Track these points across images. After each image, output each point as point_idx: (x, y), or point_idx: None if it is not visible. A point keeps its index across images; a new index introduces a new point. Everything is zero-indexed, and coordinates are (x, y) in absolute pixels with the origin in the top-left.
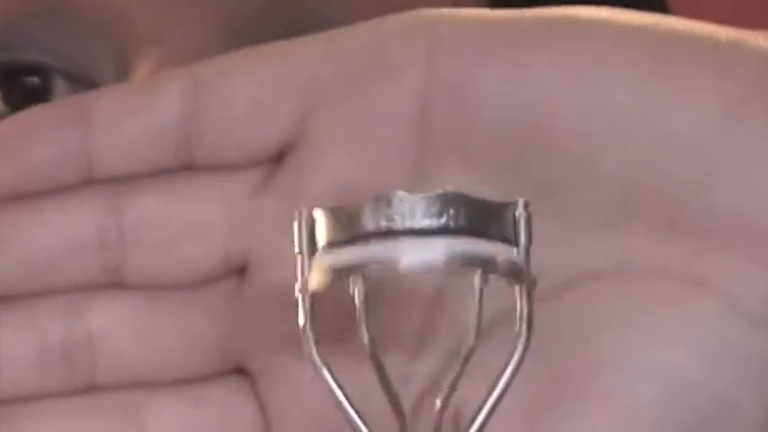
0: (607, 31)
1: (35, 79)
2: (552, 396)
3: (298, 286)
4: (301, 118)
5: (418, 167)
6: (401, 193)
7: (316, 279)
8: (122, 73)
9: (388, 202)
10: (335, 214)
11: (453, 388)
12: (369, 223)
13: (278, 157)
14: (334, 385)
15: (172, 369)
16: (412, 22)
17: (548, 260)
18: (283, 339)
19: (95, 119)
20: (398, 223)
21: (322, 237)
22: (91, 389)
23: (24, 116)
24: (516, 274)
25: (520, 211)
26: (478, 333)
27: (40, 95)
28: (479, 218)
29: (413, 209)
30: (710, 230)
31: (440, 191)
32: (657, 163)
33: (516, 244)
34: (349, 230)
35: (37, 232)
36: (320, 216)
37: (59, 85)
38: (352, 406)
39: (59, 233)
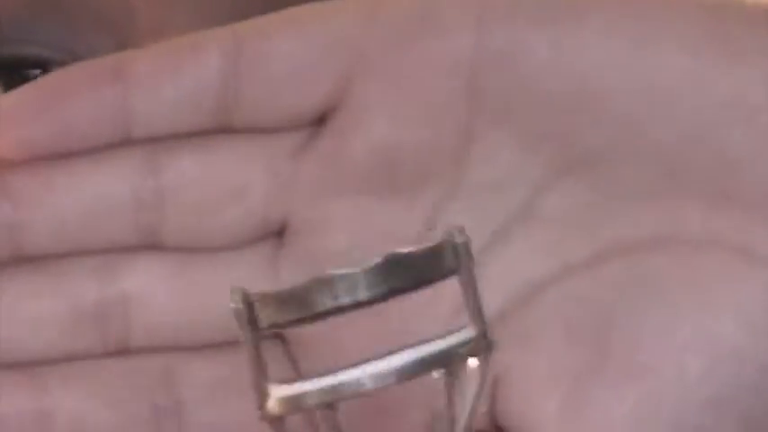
0: None
1: (36, 71)
2: (596, 367)
3: (259, 411)
4: (345, 80)
5: (465, 132)
6: (341, 271)
7: (279, 408)
8: None
9: (331, 281)
10: (281, 297)
11: None
12: (316, 303)
13: (320, 120)
14: None
15: (207, 333)
16: None
17: (592, 229)
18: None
19: (133, 77)
20: (344, 299)
21: (267, 317)
22: (124, 351)
23: (60, 74)
24: (475, 353)
25: (459, 239)
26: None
27: None
28: (420, 271)
29: (355, 283)
30: (765, 201)
31: (377, 259)
32: (710, 131)
33: (459, 272)
34: (297, 311)
35: (71, 192)
36: (263, 298)
37: None
38: None
39: (94, 193)
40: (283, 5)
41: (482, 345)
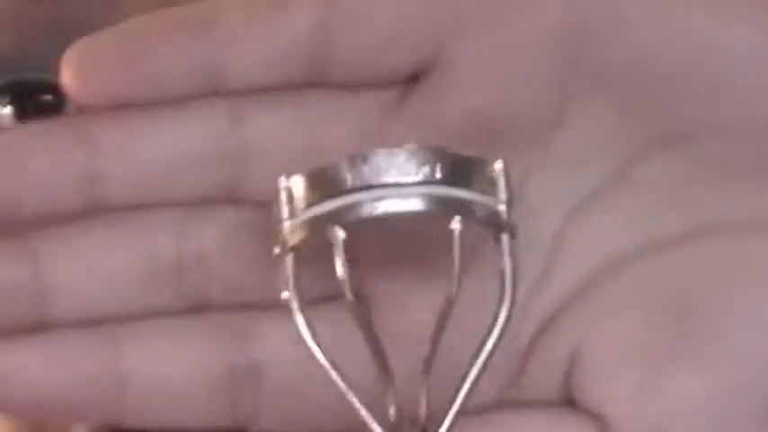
0: None
1: (48, 96)
2: (678, 348)
3: (277, 249)
4: (440, 41)
5: (558, 100)
6: (378, 150)
7: (296, 235)
8: None
9: (365, 159)
10: (314, 177)
11: (436, 342)
12: (347, 180)
13: (412, 80)
14: (314, 348)
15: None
16: None
17: (685, 205)
18: (395, 264)
19: (223, 29)
20: (376, 179)
21: (302, 200)
22: (202, 308)
23: (148, 20)
24: (497, 222)
25: (499, 169)
26: (459, 283)
27: (52, 111)
28: (458, 172)
29: (390, 164)
30: None
31: (417, 145)
32: None
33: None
34: (329, 190)
35: (153, 142)
36: (299, 181)
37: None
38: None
39: (178, 143)
40: None
41: (509, 225)
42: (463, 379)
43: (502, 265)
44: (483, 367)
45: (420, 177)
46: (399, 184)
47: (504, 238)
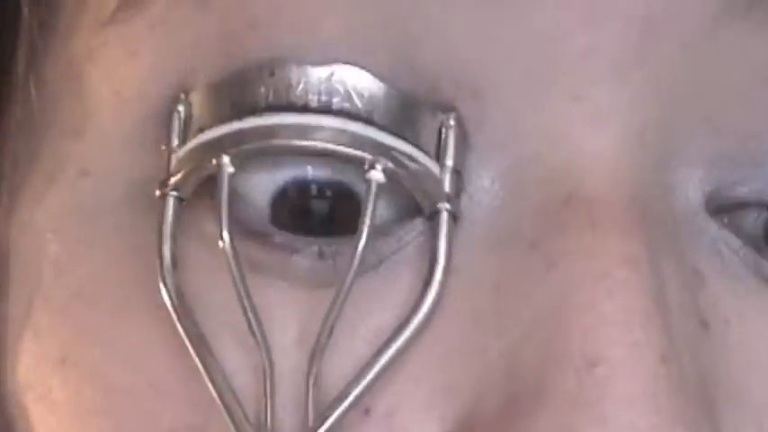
0: None
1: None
2: None
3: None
4: None
5: None
6: (289, 65)
7: (178, 170)
8: None
9: (272, 73)
10: (215, 90)
11: (331, 324)
12: (246, 98)
13: None
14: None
15: None
16: None
17: None
18: None
19: None
20: (280, 97)
21: (197, 120)
22: None
23: None
24: (428, 184)
25: (450, 124)
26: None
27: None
28: (385, 108)
29: (298, 82)
30: None
31: (337, 65)
32: None
33: (438, 162)
34: (227, 109)
35: None
36: (197, 97)
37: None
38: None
39: None
40: None
41: (448, 195)
42: (361, 375)
43: (432, 246)
44: (389, 361)
45: (332, 102)
46: (306, 107)
47: (444, 216)
